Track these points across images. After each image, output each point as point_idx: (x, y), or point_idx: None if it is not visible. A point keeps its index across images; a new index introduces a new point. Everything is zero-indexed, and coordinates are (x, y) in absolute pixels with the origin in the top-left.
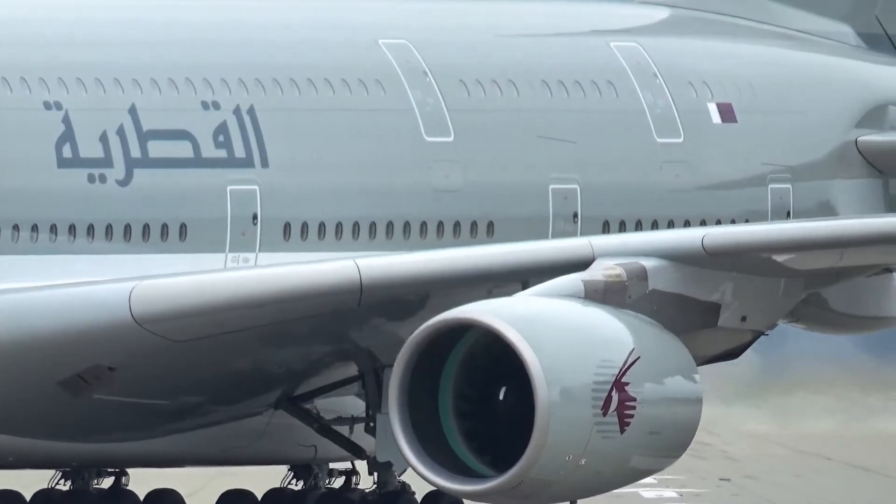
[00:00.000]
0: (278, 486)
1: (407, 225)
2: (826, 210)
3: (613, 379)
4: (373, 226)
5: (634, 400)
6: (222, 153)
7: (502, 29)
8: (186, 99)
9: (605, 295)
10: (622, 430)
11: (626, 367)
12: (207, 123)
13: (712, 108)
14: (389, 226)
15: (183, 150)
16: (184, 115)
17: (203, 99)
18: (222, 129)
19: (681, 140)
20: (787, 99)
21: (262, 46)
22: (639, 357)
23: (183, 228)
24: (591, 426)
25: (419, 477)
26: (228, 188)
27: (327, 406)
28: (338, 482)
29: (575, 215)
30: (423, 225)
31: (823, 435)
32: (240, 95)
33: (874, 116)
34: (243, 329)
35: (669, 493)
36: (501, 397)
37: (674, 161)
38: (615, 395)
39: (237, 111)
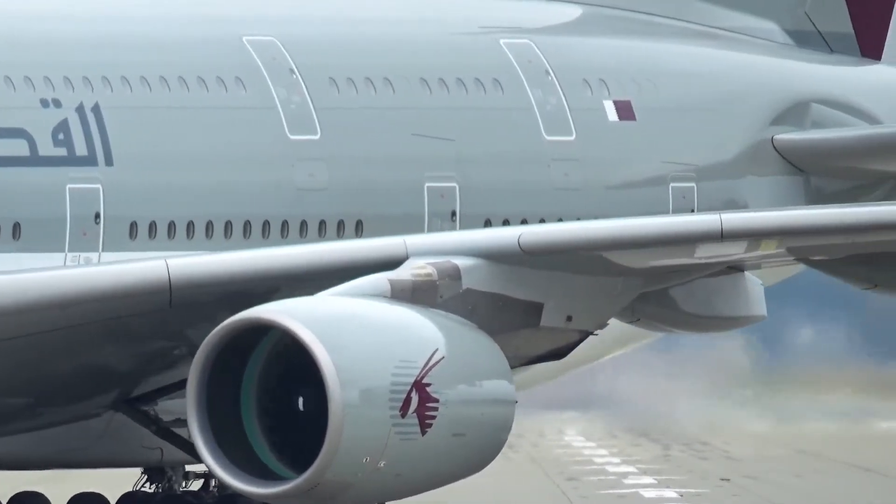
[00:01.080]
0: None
1: (266, 224)
2: (734, 208)
3: (413, 380)
4: (228, 224)
5: (437, 401)
6: (62, 151)
7: (382, 26)
8: (24, 97)
9: (413, 294)
10: (423, 432)
11: (428, 367)
12: (46, 121)
13: (608, 106)
14: (247, 225)
15: (18, 148)
16: (20, 114)
17: (42, 97)
18: (62, 127)
19: (572, 138)
20: (693, 96)
21: (112, 44)
22: (443, 357)
23: (17, 227)
24: (388, 428)
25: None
26: (67, 187)
27: (170, 408)
28: (196, 485)
29: (453, 213)
30: (285, 224)
31: (823, 435)
32: (84, 94)
33: (794, 114)
34: (57, 329)
35: (670, 493)
36: (301, 398)
37: (564, 159)
38: (415, 396)
39: (80, 109)
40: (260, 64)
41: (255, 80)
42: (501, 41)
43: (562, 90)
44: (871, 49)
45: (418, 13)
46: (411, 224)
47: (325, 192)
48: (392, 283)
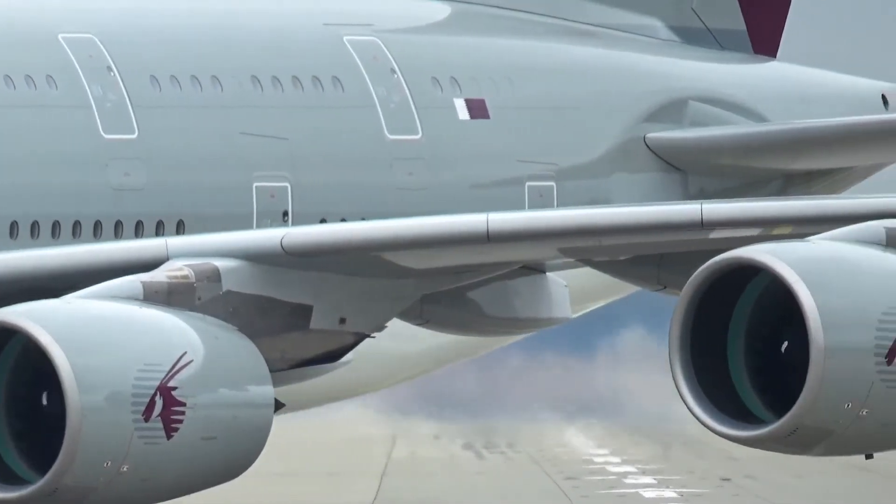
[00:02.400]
0: None
1: (77, 224)
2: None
3: (158, 383)
4: (35, 225)
5: (183, 405)
6: None
7: (214, 21)
8: None
9: (169, 296)
10: (169, 436)
11: (174, 370)
12: None
13: (459, 104)
14: (56, 225)
15: None
16: None
17: None
18: None
19: (418, 137)
20: (555, 94)
21: None
22: (191, 360)
23: None
24: (131, 432)
25: None
26: None
27: None
28: None
29: (285, 213)
30: (98, 224)
31: None
32: None
33: (670, 112)
34: None
35: (669, 493)
36: (45, 402)
37: (408, 158)
38: (159, 400)
39: None
40: (75, 62)
41: (69, 79)
42: (345, 38)
43: (408, 88)
44: (764, 46)
45: (256, 7)
46: (238, 224)
47: (142, 192)
48: (145, 284)
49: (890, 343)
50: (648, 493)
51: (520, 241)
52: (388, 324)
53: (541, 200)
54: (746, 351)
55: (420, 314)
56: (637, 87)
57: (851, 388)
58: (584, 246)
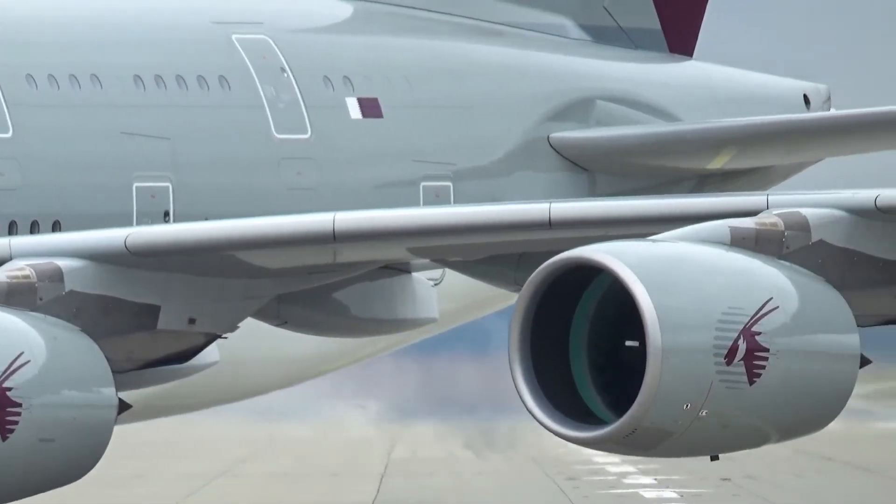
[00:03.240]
0: None
1: None
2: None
3: None
4: None
5: (19, 406)
6: None
7: (95, 19)
8: None
9: (8, 297)
10: (4, 438)
11: (9, 371)
12: None
13: (352, 103)
14: None
15: None
16: None
17: None
18: None
19: (307, 136)
20: (454, 94)
21: None
22: (29, 360)
23: None
24: None
25: None
26: None
27: None
28: None
29: (166, 214)
30: None
31: (823, 435)
32: None
33: (576, 111)
34: None
35: (669, 493)
36: None
37: (297, 158)
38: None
39: None
40: None
41: None
42: (234, 36)
43: (298, 87)
44: (680, 45)
45: (141, 4)
46: (117, 225)
47: (16, 191)
48: None
49: (730, 343)
50: (648, 493)
51: (368, 241)
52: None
53: (437, 201)
54: (589, 351)
55: (277, 314)
56: (541, 87)
57: (690, 388)
58: (433, 245)
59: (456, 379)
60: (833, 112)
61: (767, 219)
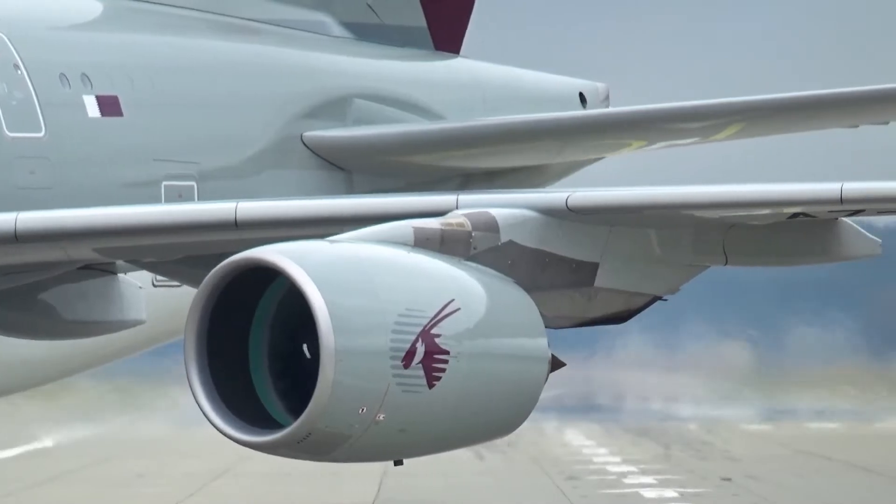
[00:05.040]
0: None
1: None
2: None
3: None
4: None
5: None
6: None
7: None
8: None
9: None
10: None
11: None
12: None
13: (90, 101)
14: None
15: None
16: None
17: None
18: None
19: (41, 135)
20: (200, 92)
21: None
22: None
23: None
24: None
25: None
26: None
27: None
28: None
29: None
30: None
31: (823, 435)
32: None
33: (333, 110)
34: None
35: (670, 492)
36: None
37: (29, 157)
38: None
39: None
40: None
41: None
42: None
43: (32, 85)
44: (447, 42)
45: None
46: None
47: None
48: None
49: (407, 346)
50: (648, 493)
51: (51, 241)
52: None
53: (180, 200)
54: (269, 355)
55: None
56: (295, 85)
57: (366, 392)
58: (120, 246)
59: None
60: (606, 110)
61: (454, 219)
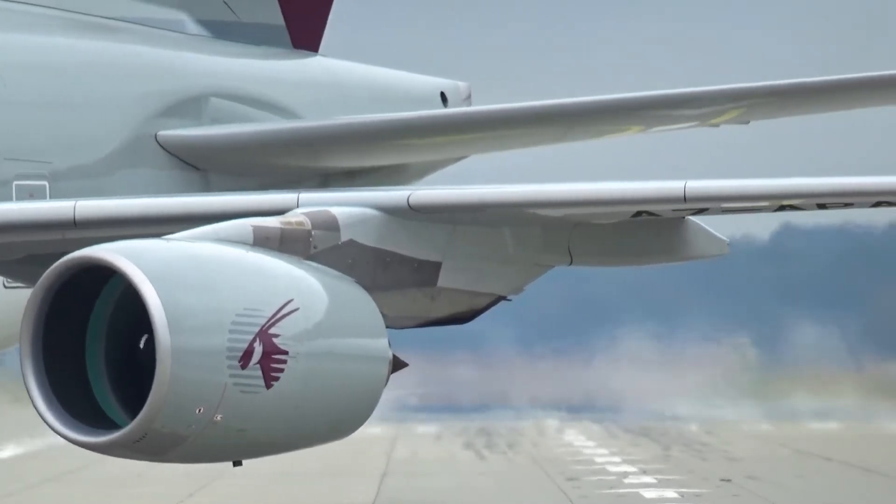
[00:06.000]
0: None
1: None
2: None
3: None
4: None
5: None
6: None
7: None
8: None
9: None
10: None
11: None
12: None
13: None
14: None
15: None
16: None
17: None
18: None
19: None
20: (51, 91)
21: None
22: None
23: None
24: None
25: None
26: None
27: None
28: None
29: None
30: None
31: (823, 435)
32: None
33: (187, 109)
34: None
35: (670, 493)
36: None
37: None
38: None
39: None
40: None
41: None
42: None
43: None
44: (305, 40)
45: None
46: None
47: None
48: None
49: (245, 346)
50: (648, 493)
51: None
52: None
53: (31, 200)
54: (106, 355)
55: None
56: (148, 84)
57: (203, 392)
58: None
59: (456, 379)
60: (466, 108)
61: (294, 218)
